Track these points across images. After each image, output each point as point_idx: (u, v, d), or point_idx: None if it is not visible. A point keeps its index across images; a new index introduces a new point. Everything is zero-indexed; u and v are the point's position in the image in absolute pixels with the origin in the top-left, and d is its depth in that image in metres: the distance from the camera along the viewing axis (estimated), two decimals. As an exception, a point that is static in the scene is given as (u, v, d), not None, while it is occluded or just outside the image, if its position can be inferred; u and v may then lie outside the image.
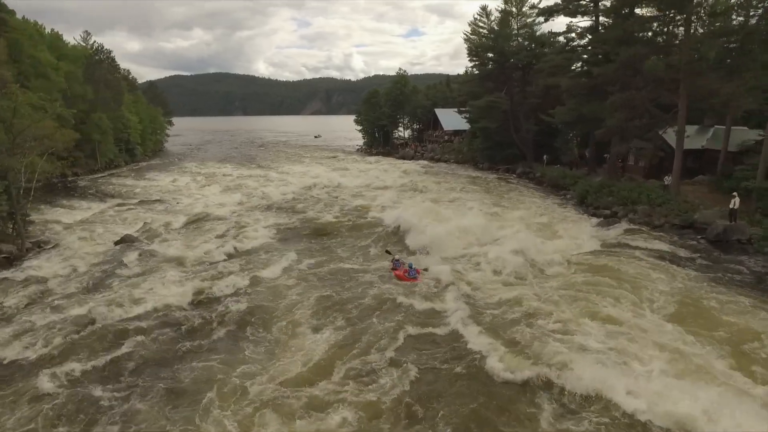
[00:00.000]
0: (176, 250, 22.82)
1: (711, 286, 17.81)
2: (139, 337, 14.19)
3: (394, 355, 13.38)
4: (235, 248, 23.53)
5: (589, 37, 36.34)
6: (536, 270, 20.38)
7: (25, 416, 10.82)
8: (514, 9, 51.66)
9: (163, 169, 62.75)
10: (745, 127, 34.56)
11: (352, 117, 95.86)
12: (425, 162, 66.46)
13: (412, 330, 14.80)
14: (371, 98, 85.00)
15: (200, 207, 34.89)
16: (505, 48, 50.43)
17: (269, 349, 13.98)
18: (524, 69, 51.34)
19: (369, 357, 13.37)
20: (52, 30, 65.41)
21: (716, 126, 36.67)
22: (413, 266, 19.78)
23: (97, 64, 60.33)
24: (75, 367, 12.64)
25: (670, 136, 32.51)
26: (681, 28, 26.64)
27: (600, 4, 35.60)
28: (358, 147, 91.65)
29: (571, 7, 37.13)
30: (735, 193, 24.40)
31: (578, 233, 26.16)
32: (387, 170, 57.42)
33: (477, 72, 56.69)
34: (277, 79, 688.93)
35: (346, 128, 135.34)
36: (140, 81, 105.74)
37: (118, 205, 36.86)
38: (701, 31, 26.41)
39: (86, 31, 64.82)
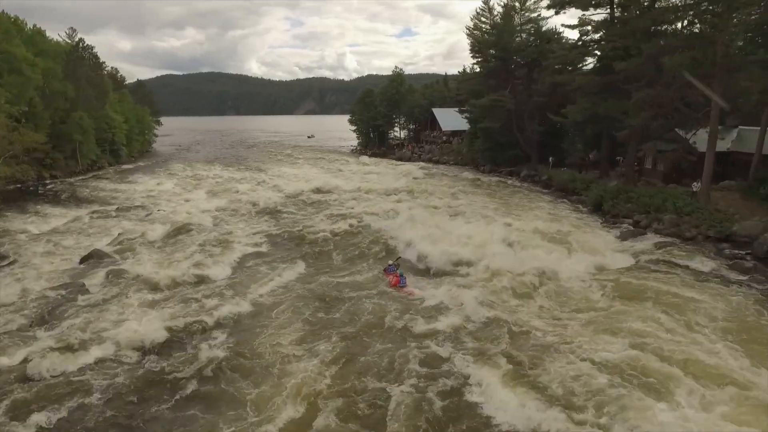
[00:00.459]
0: (149, 268, 19.90)
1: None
2: (89, 399, 11.22)
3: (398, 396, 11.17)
4: (216, 265, 20.69)
5: (603, 31, 33.68)
6: (560, 292, 17.78)
7: None
8: (517, 3, 49.00)
9: (148, 171, 59.58)
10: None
11: (346, 117, 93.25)
12: (423, 164, 63.81)
13: (424, 379, 12.13)
14: (366, 97, 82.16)
15: (183, 214, 31.87)
16: (509, 44, 47.74)
17: (255, 400, 11.27)
18: (529, 66, 48.73)
19: (367, 395, 11.36)
20: (35, 25, 62.55)
21: (740, 126, 34.15)
22: (404, 275, 19.03)
23: (79, 61, 57.14)
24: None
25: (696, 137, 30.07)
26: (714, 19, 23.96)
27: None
28: (352, 148, 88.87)
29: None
30: None
31: (601, 246, 23.47)
32: (384, 173, 54.68)
33: (479, 69, 53.98)
34: (270, 79, 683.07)
35: (339, 128, 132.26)
36: (132, 80, 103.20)
37: (95, 211, 33.75)
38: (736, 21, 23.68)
39: (72, 27, 61.35)
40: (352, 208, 33.02)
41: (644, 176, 35.78)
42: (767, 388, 11.15)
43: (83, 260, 21.56)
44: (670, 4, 26.49)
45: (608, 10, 34.61)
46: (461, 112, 60.06)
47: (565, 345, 13.35)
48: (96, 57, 62.72)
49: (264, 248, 24.05)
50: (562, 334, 14.09)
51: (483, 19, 51.64)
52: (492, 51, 49.05)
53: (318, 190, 41.22)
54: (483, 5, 51.41)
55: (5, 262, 21.31)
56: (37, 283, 18.48)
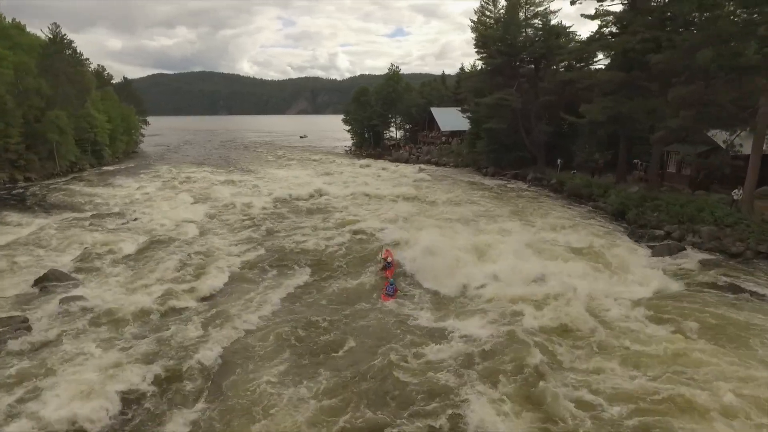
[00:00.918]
0: (113, 295, 16.78)
1: None
2: None
3: None
4: (193, 290, 17.60)
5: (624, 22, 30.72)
6: (600, 322, 14.90)
7: None
8: (522, -4, 46.03)
9: (132, 173, 56.09)
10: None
11: (338, 116, 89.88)
12: (422, 165, 60.73)
13: None
14: (361, 96, 78.60)
15: (163, 223, 28.73)
16: (515, 39, 44.77)
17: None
18: (536, 62, 45.85)
19: None
20: (14, 20, 58.93)
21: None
22: (393, 283, 18.06)
23: (57, 56, 53.56)
24: None
25: (718, 138, 27.32)
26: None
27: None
28: (346, 148, 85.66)
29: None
30: None
31: (634, 264, 20.48)
32: (381, 176, 51.71)
33: (483, 66, 50.94)
34: (262, 79, 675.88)
35: (333, 128, 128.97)
36: (120, 78, 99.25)
37: (65, 219, 30.42)
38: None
39: (55, 23, 57.63)
40: (351, 218, 29.91)
41: (666, 181, 32.86)
42: None
43: (37, 282, 18.38)
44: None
45: (625, 1, 31.72)
46: (463, 111, 57.08)
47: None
48: (75, 51, 59.02)
49: (248, 266, 20.99)
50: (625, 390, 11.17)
51: (487, 12, 48.72)
52: (498, 44, 45.86)
53: (312, 196, 38.24)
54: (486, -1, 48.46)
55: (-58, 286, 18.09)
56: (-30, 317, 15.26)
